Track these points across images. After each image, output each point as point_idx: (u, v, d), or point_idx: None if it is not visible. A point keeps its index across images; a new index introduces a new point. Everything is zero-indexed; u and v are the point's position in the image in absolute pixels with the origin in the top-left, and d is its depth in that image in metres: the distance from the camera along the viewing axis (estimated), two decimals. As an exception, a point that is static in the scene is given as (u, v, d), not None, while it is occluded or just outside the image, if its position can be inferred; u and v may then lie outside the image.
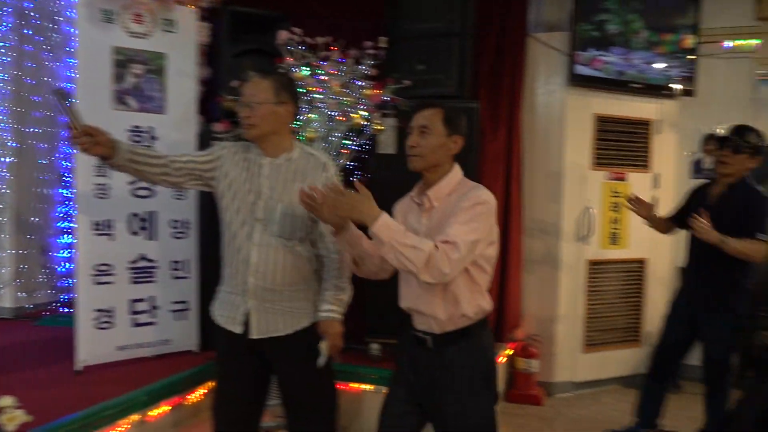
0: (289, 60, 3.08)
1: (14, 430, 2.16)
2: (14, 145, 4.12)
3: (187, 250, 3.35)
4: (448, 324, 1.92)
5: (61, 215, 4.40)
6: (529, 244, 4.22)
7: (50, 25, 4.33)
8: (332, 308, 2.15)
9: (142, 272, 3.22)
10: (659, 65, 4.24)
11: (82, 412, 2.46)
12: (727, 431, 2.19)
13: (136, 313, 3.20)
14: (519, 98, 4.05)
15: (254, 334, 2.13)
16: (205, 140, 3.25)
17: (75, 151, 2.66)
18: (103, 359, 3.09)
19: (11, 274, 4.13)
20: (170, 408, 2.85)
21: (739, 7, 4.34)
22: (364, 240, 1.97)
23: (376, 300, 3.25)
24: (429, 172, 1.96)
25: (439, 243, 1.76)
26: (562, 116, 4.11)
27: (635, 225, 4.06)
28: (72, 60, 3.11)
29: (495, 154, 3.96)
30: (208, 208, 2.91)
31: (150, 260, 3.24)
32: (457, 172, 1.99)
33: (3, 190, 4.12)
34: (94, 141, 2.00)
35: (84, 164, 3.00)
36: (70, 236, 4.19)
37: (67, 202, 4.31)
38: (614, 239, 4.30)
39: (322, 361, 2.11)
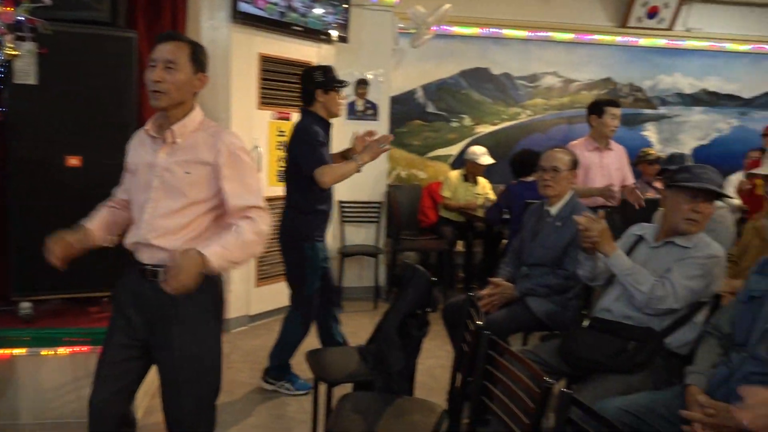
0: None
1: None
2: None
3: None
4: None
5: None
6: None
7: None
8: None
9: None
10: (318, 11, 4.48)
11: None
12: (376, 337, 2.55)
13: None
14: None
15: None
16: None
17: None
18: None
19: None
20: None
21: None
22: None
23: (23, 254, 2.85)
24: (173, 109, 1.88)
25: (253, 211, 1.87)
26: (227, 54, 4.06)
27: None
28: None
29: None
30: None
31: None
32: (199, 110, 1.95)
33: None
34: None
35: None
36: None
37: None
38: (282, 177, 4.50)
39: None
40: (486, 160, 5.31)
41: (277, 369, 3.35)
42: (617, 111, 4.04)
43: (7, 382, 2.85)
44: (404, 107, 5.99)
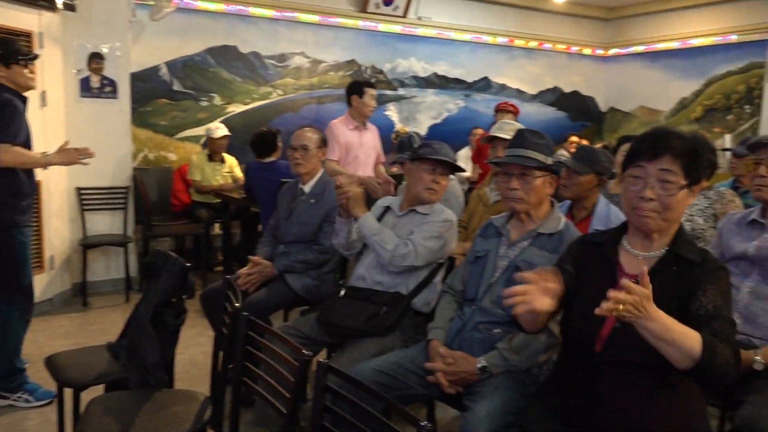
0: None
1: None
2: None
3: None
4: None
5: None
6: None
7: None
8: None
9: None
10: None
11: None
12: (128, 331, 2.37)
13: None
14: None
15: None
16: None
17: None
18: None
19: None
20: None
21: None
22: None
23: None
24: None
25: None
26: None
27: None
28: None
29: None
30: None
31: None
32: None
33: None
34: None
35: None
36: None
37: None
38: None
39: None
40: (221, 132, 5.28)
41: (7, 379, 2.92)
42: (375, 92, 4.29)
43: None
44: (148, 84, 5.59)
